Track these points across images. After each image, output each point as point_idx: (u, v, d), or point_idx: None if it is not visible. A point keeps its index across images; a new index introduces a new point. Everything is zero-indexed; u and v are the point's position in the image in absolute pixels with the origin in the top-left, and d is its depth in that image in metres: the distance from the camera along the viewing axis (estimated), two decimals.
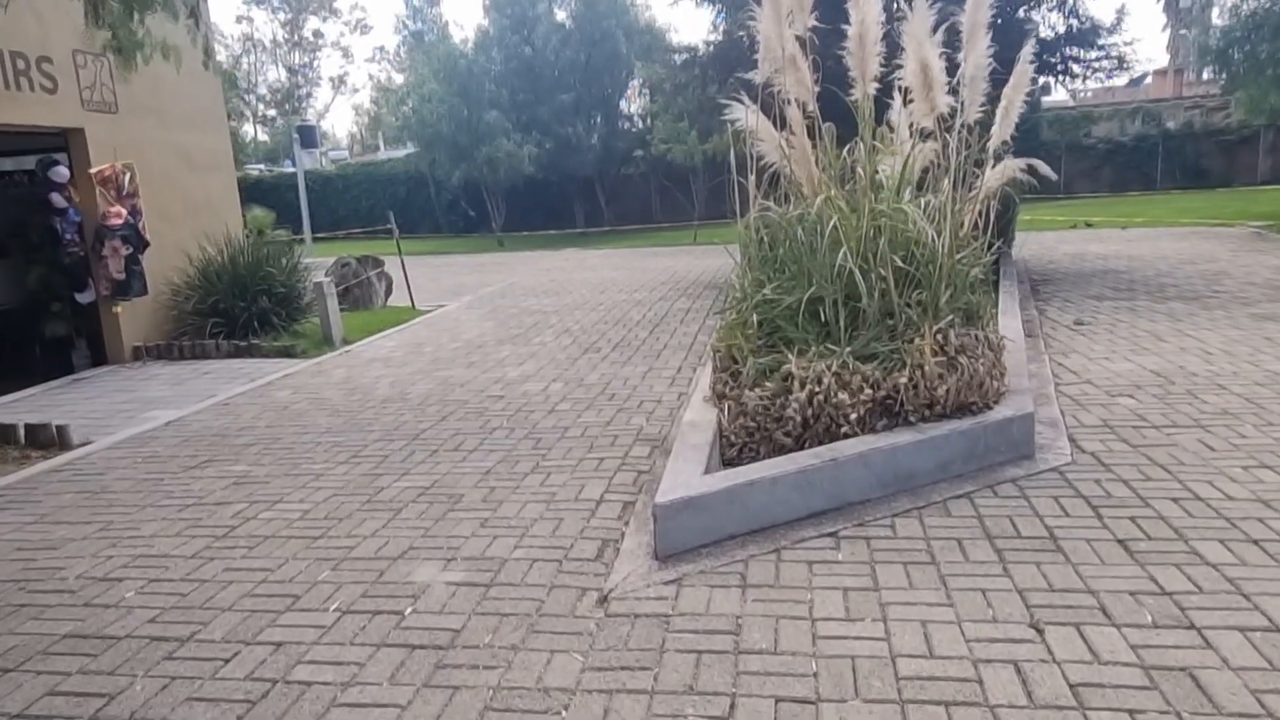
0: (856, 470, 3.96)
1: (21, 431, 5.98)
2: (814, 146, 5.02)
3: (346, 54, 73.30)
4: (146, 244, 8.94)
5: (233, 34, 69.52)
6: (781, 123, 5.19)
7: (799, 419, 4.32)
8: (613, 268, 16.20)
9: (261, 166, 44.97)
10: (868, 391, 4.28)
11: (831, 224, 4.48)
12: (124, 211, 8.75)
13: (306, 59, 69.44)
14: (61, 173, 8.49)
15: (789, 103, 5.01)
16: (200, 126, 10.36)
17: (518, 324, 10.14)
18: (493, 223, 28.48)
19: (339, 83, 67.81)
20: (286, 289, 9.70)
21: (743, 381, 4.71)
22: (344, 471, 5.03)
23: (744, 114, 5.20)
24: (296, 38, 68.43)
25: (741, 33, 11.80)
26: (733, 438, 4.56)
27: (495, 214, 28.06)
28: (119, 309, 8.93)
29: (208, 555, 3.89)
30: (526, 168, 25.83)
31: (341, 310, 11.35)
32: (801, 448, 4.29)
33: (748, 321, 4.90)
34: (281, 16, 66.88)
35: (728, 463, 4.49)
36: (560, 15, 28.07)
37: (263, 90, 69.01)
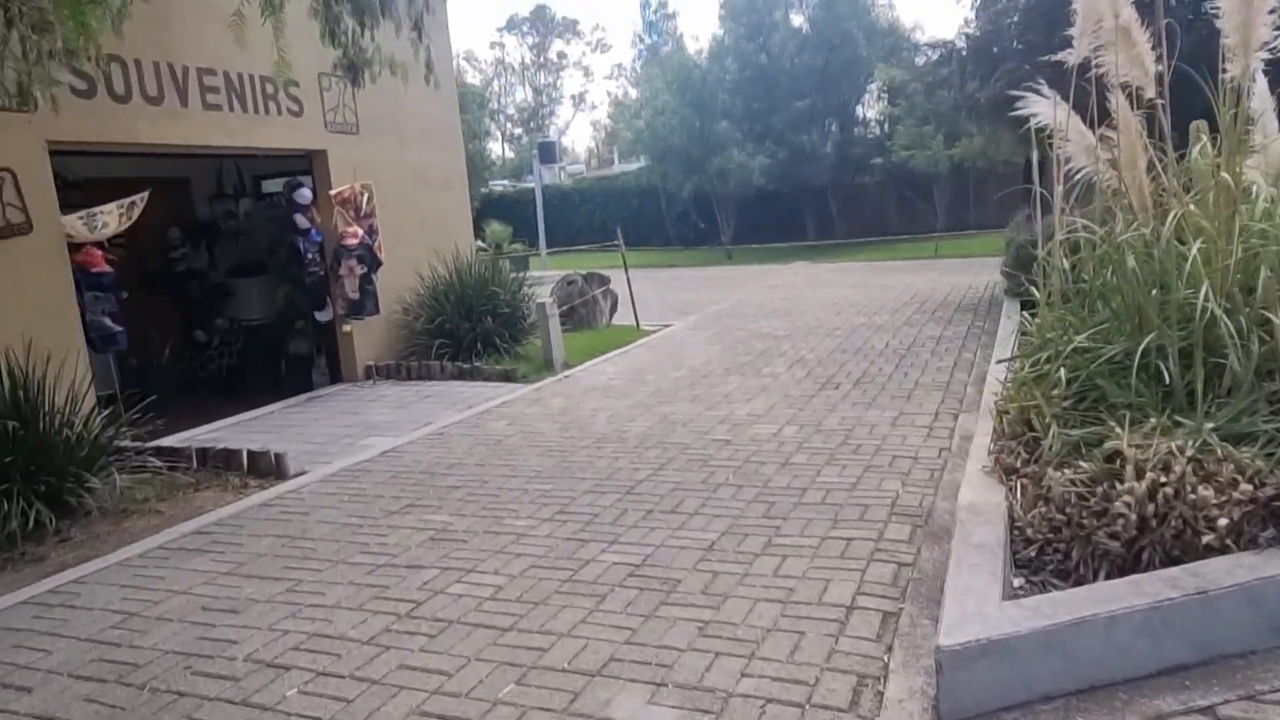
0: (1236, 608, 2.75)
1: (245, 458, 5.91)
2: (1149, 146, 3.80)
3: (587, 72, 75.80)
4: (379, 263, 8.99)
5: (485, 58, 74.04)
6: (1098, 117, 4.01)
7: (1133, 517, 3.14)
8: (847, 285, 14.99)
9: (505, 183, 47.23)
10: (1244, 488, 3.03)
11: (1193, 252, 3.25)
12: (360, 232, 8.82)
13: (550, 79, 73.08)
14: (305, 194, 8.71)
15: (1114, 89, 3.81)
16: (436, 145, 10.41)
17: (746, 350, 9.30)
18: (721, 235, 27.91)
19: (579, 100, 70.39)
20: (511, 309, 9.47)
21: (1044, 456, 3.59)
22: (548, 532, 4.40)
23: (1046, 107, 4.06)
24: (542, 59, 72.11)
25: (1011, 19, 10.34)
26: (1030, 531, 3.46)
27: (724, 226, 27.47)
28: (348, 328, 9.03)
29: (385, 642, 3.34)
30: (757, 179, 25.00)
31: (565, 330, 11.04)
32: (1137, 559, 3.11)
33: (1050, 377, 3.76)
34: (530, 40, 70.76)
35: (1022, 565, 3.39)
36: (797, 20, 27.06)
37: (510, 110, 73.37)
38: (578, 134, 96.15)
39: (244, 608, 3.75)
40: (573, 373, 8.90)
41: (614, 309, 12.21)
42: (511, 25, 71.37)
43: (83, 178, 9.30)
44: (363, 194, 9.15)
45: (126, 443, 6.34)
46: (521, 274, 10.95)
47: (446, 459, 6.00)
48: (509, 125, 72.00)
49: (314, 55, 8.24)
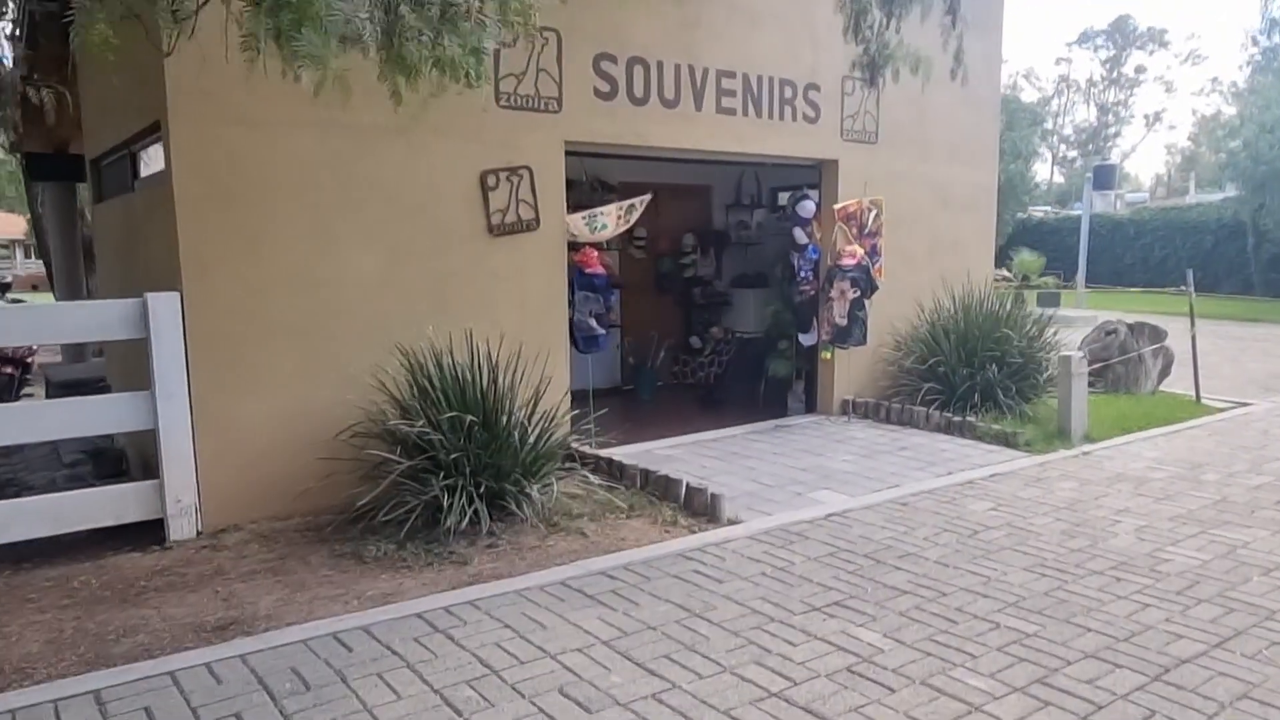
0: None
1: (683, 492, 5.39)
2: None
3: (1169, 88, 65.68)
4: (875, 288, 7.99)
5: (1048, 76, 68.48)
6: None
7: None
8: None
9: (1047, 208, 42.97)
10: None
11: None
12: (859, 251, 7.92)
13: (1121, 96, 64.91)
14: (808, 207, 8.07)
15: None
16: (965, 159, 9.06)
17: None
18: None
19: (1153, 120, 61.27)
20: (1024, 357, 7.77)
21: None
22: (1016, 716, 3.01)
23: None
24: (1115, 74, 64.38)
25: None
26: None
27: None
28: (827, 355, 8.18)
29: None
30: None
31: (1094, 392, 8.95)
32: None
33: None
34: (1104, 54, 63.63)
35: None
36: None
37: (1067, 131, 66.88)
38: (1146, 159, 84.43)
39: (598, 706, 3.07)
40: (1095, 450, 6.97)
41: (1165, 372, 9.62)
42: (1084, 38, 65.05)
43: (610, 181, 9.89)
44: (870, 210, 8.23)
45: (585, 448, 6.28)
46: (1048, 312, 9.06)
47: (902, 542, 4.81)
48: (1061, 147, 65.76)
49: (839, 55, 7.52)
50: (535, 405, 5.42)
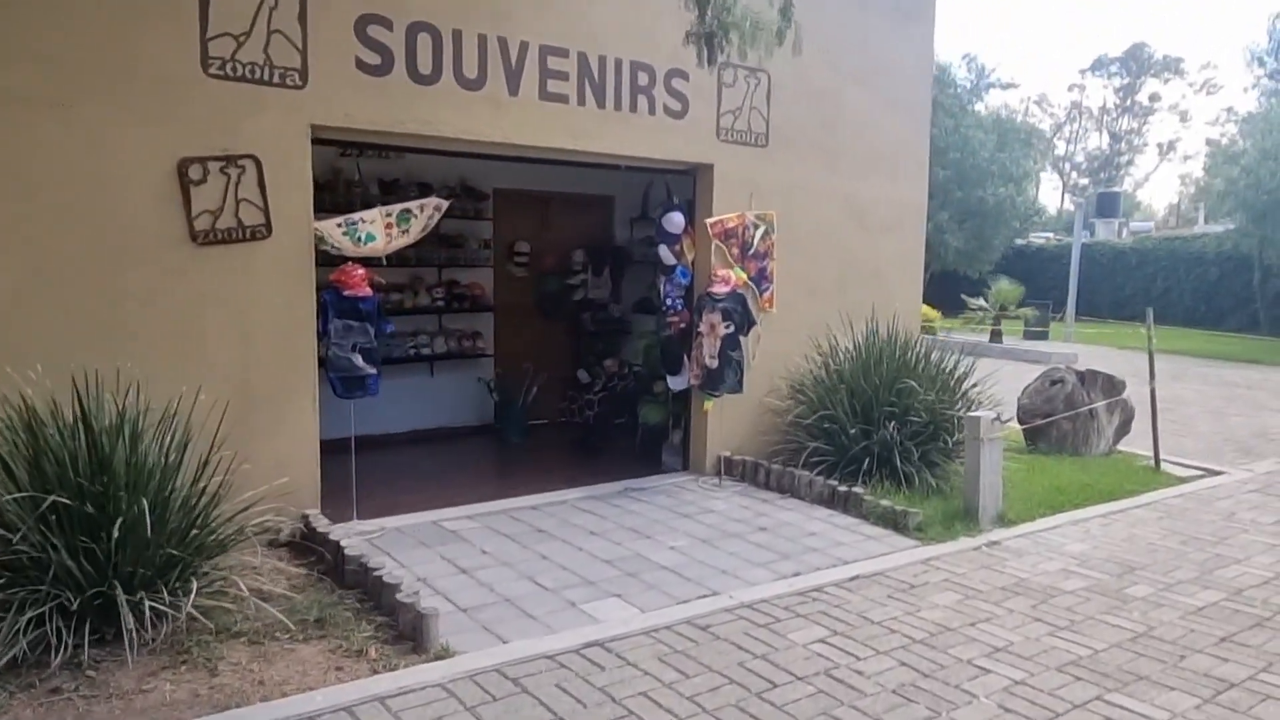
0: None
1: (395, 605, 3.90)
2: None
3: (1184, 117, 63.92)
4: (752, 323, 6.51)
5: (1060, 102, 67.17)
6: None
7: None
8: None
9: (1049, 235, 41.41)
10: None
11: None
12: (733, 276, 6.45)
13: (1134, 124, 63.40)
14: (675, 220, 6.61)
15: None
16: (888, 172, 7.60)
17: None
18: None
19: (1166, 149, 59.63)
20: (931, 415, 6.25)
21: None
22: None
23: None
24: (1129, 102, 62.91)
25: None
26: None
27: None
28: (708, 406, 6.69)
29: None
30: None
31: (1032, 453, 7.45)
32: None
33: None
34: (1117, 82, 62.30)
35: None
36: None
37: (1079, 158, 65.34)
38: (1159, 188, 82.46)
39: None
40: (1005, 539, 5.46)
41: (1124, 430, 8.07)
42: (1098, 65, 63.76)
43: (480, 187, 8.47)
44: (755, 227, 6.77)
45: (324, 522, 4.81)
46: (967, 357, 7.35)
47: (657, 702, 3.31)
48: (1074, 174, 64.19)
49: None
50: (202, 475, 3.95)
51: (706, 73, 6.31)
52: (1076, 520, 5.90)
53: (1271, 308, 25.47)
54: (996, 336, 18.53)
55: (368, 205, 5.70)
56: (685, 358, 6.73)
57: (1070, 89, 77.36)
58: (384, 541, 5.05)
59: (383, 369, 8.11)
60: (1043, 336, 22.47)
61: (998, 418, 5.72)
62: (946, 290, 23.07)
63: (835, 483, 6.07)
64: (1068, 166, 65.76)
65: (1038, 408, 7.75)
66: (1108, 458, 7.74)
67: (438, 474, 6.92)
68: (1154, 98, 62.71)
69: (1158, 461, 7.40)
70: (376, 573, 4.13)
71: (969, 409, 6.53)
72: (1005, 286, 19.14)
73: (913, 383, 6.25)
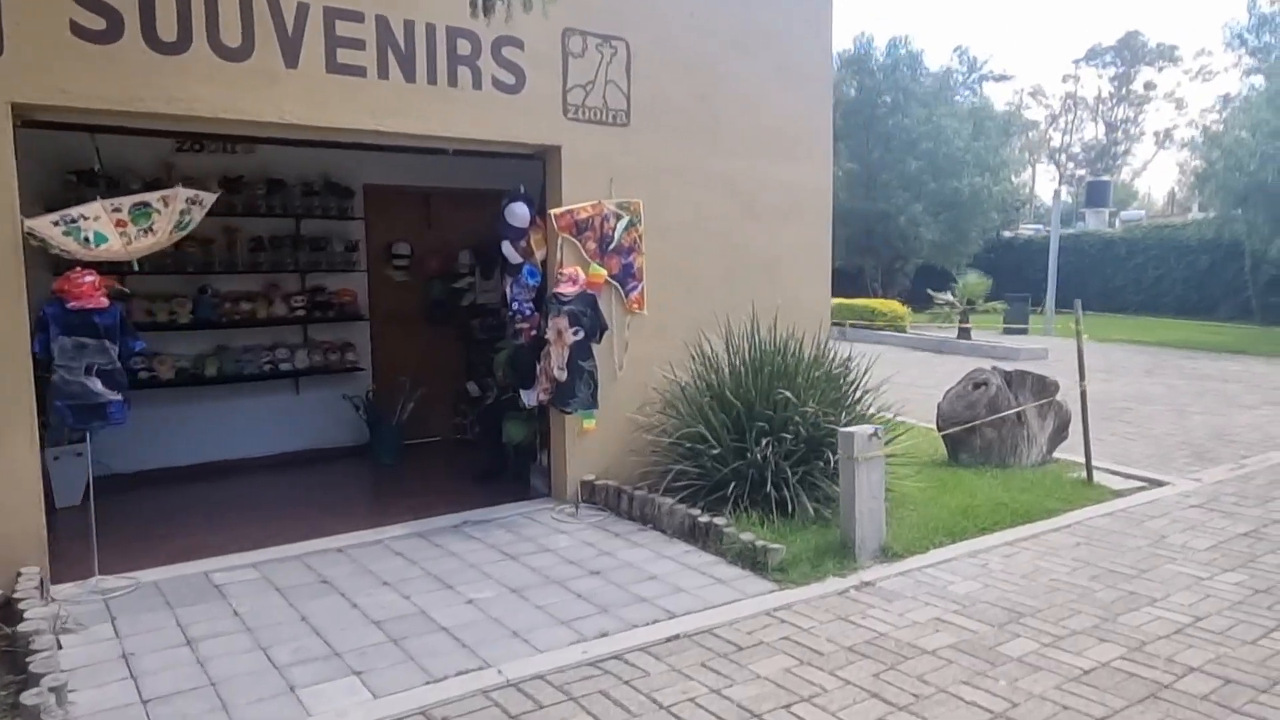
0: None
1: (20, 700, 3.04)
2: None
3: (1179, 105, 62.91)
4: (603, 328, 5.66)
5: (1055, 93, 66.34)
6: None
7: None
8: None
9: (1039, 226, 40.51)
10: None
11: None
12: (581, 275, 5.60)
13: (1130, 113, 62.49)
14: (519, 212, 5.77)
15: None
16: (781, 153, 6.74)
17: None
18: None
19: (1163, 137, 58.62)
20: (811, 430, 5.37)
21: None
22: None
23: None
24: (1124, 91, 62.01)
25: None
26: None
27: None
28: (589, 424, 5.83)
29: None
30: None
31: (952, 468, 6.60)
32: None
33: None
34: (1111, 71, 61.49)
35: None
36: None
37: (1075, 148, 64.45)
38: (1157, 177, 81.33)
39: None
40: (884, 577, 4.59)
41: (1060, 435, 7.18)
42: (1092, 55, 63.03)
43: (347, 183, 7.63)
44: (618, 218, 5.93)
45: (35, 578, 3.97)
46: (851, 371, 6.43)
47: None
48: (1070, 166, 63.27)
49: (564, 3, 5.22)
50: None
51: (550, 40, 5.49)
52: (976, 551, 5.03)
53: (1264, 296, 24.54)
54: (965, 333, 17.61)
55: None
56: (538, 368, 5.87)
57: (1065, 80, 76.41)
58: (124, 602, 4.20)
59: (229, 387, 7.42)
60: (1023, 331, 21.58)
61: (876, 433, 4.85)
62: (926, 285, 22.24)
63: (697, 512, 5.21)
64: (1064, 158, 64.93)
65: (958, 414, 6.87)
66: (1039, 469, 6.85)
67: (258, 508, 6.07)
68: (1149, 86, 61.84)
69: (1090, 473, 6.52)
70: (39, 655, 3.28)
71: (864, 420, 5.67)
72: (973, 280, 18.24)
73: (788, 393, 5.37)
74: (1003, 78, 46.88)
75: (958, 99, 27.92)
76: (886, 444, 5.74)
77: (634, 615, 4.10)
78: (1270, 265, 22.62)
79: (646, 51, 5.97)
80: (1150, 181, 75.00)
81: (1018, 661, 3.62)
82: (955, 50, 35.13)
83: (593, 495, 5.90)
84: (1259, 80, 20.62)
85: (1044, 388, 7.02)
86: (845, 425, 5.22)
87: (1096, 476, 6.59)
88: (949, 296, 18.34)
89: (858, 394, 5.87)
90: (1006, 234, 35.39)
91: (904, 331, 19.06)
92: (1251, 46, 21.45)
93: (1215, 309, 26.16)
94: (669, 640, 3.83)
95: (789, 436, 5.30)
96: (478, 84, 5.36)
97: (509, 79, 5.47)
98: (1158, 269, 28.59)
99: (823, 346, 6.13)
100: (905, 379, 11.46)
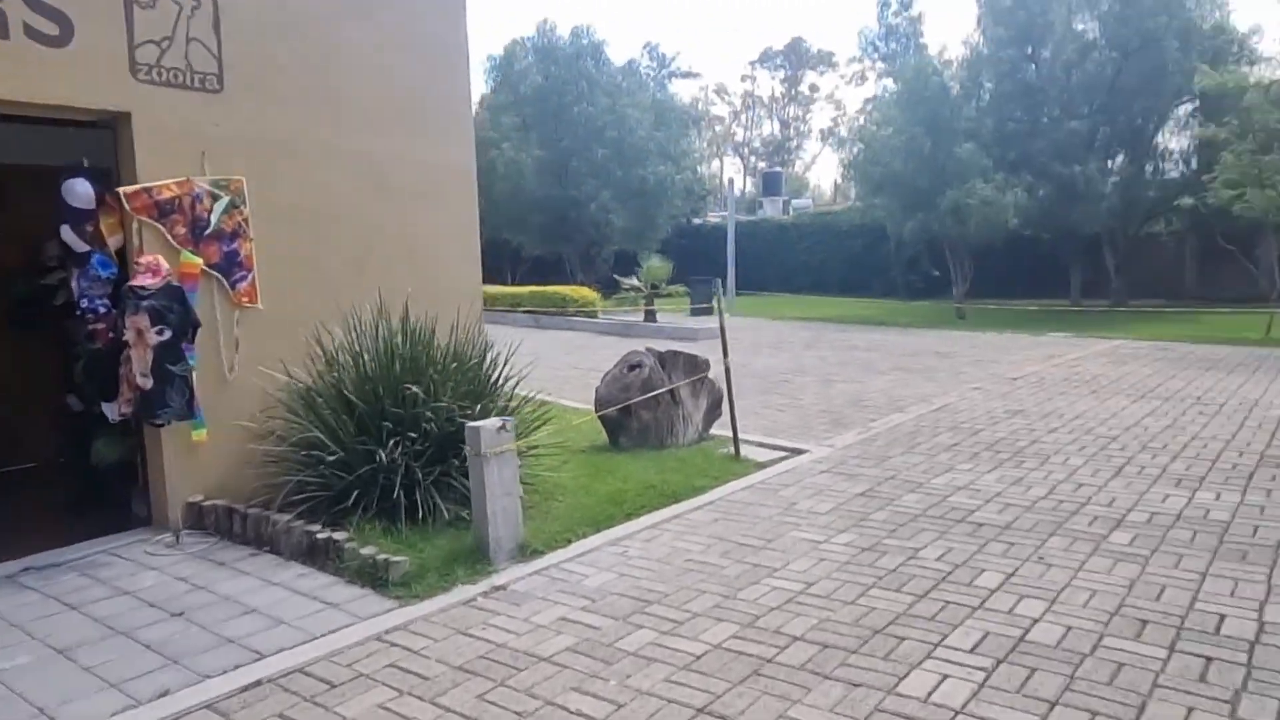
0: None
1: None
2: None
3: (838, 106, 70.16)
4: (195, 324, 4.88)
5: (737, 91, 71.51)
6: None
7: None
8: (1134, 390, 9.14)
9: (723, 215, 43.19)
10: None
11: None
12: (161, 264, 4.77)
13: (800, 112, 68.88)
14: (77, 191, 4.83)
15: None
16: (415, 128, 6.25)
17: (907, 560, 4.27)
18: (954, 288, 21.91)
19: (828, 134, 65.23)
20: (445, 426, 4.97)
21: None
22: None
23: None
24: (793, 92, 68.17)
25: None
26: None
27: (958, 277, 21.51)
28: (200, 436, 4.98)
29: None
30: (1010, 219, 18.90)
31: (612, 450, 6.51)
32: None
33: None
34: (782, 73, 67.34)
35: None
36: (1081, 24, 20.71)
37: (756, 143, 69.85)
38: (826, 170, 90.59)
39: None
40: (519, 578, 4.30)
41: (715, 412, 7.40)
42: (765, 58, 68.66)
43: None
44: (214, 198, 5.13)
45: None
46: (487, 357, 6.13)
47: None
48: (753, 158, 68.46)
49: None
50: None
51: None
52: (619, 538, 4.90)
53: (905, 273, 27.82)
54: (651, 315, 18.22)
55: None
56: (121, 375, 4.95)
57: (743, 79, 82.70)
58: None
59: None
60: (709, 312, 22.82)
61: (505, 425, 4.54)
62: (623, 272, 22.84)
63: (317, 529, 4.62)
64: (747, 151, 70.35)
65: (614, 397, 6.82)
66: (695, 447, 6.99)
67: None
68: (814, 88, 68.73)
69: (737, 447, 6.73)
70: None
71: (509, 412, 5.37)
72: (655, 264, 18.91)
73: (416, 389, 4.92)
74: (690, 75, 49.71)
75: (652, 93, 28.96)
76: (532, 433, 5.51)
77: (211, 663, 3.46)
78: (908, 246, 25.68)
79: (239, 7, 5.21)
80: (820, 174, 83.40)
81: (633, 656, 3.45)
82: (645, 46, 36.57)
83: (201, 519, 5.09)
84: (889, 83, 23.22)
85: (695, 366, 7.17)
86: (482, 418, 4.86)
87: (746, 450, 6.81)
88: (635, 281, 18.86)
89: (502, 383, 5.55)
90: (696, 221, 37.46)
91: (596, 317, 19.36)
92: (883, 53, 24.27)
93: (869, 286, 29.31)
94: (247, 689, 3.25)
95: (419, 435, 4.85)
96: (3, 32, 4.33)
97: (50, 28, 4.49)
98: (823, 252, 31.53)
99: (470, 334, 5.75)
100: (590, 363, 11.51)
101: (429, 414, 4.93)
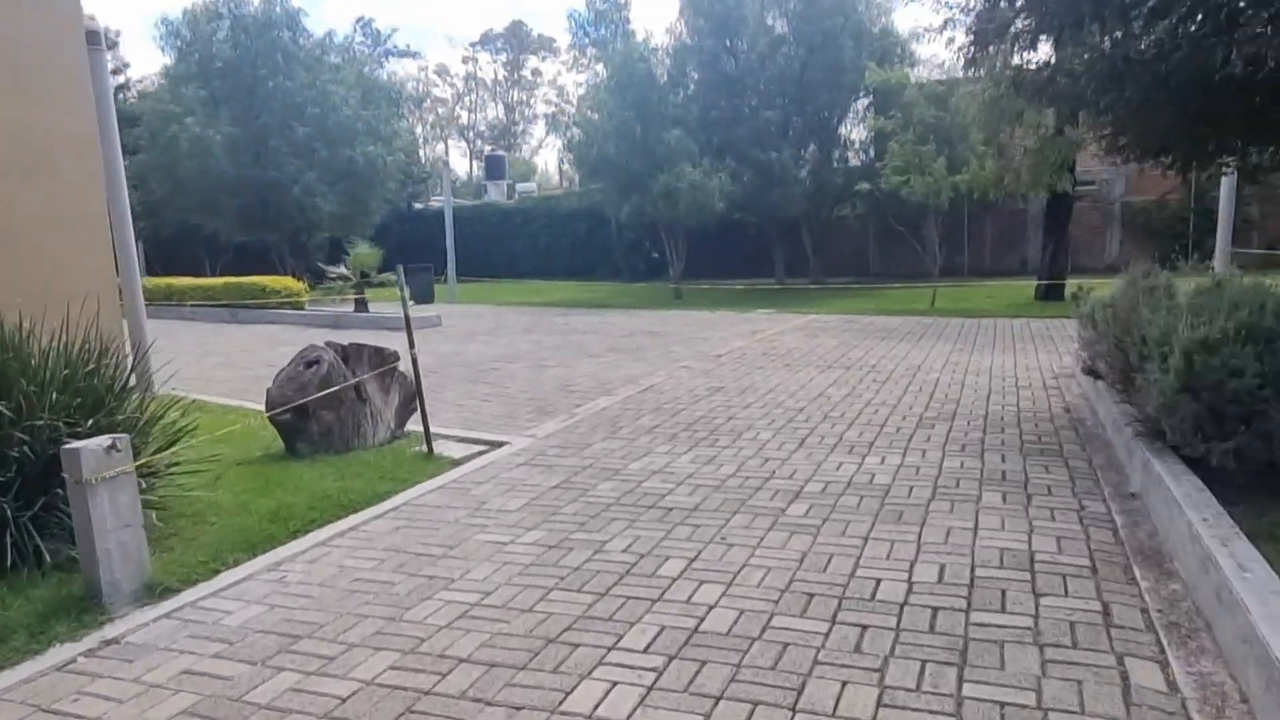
0: None
1: None
2: None
3: (561, 92, 70.63)
4: None
5: (458, 72, 69.84)
6: None
7: None
8: (822, 362, 9.77)
9: (443, 199, 41.94)
10: None
11: None
12: None
13: (524, 96, 68.48)
14: None
15: None
16: (11, 88, 5.12)
17: (591, 558, 4.06)
18: (670, 269, 22.69)
19: (552, 120, 65.46)
20: (52, 446, 4.09)
21: None
22: None
23: None
24: (516, 76, 67.61)
25: None
26: None
27: (674, 259, 22.29)
28: None
29: None
30: (717, 203, 19.82)
31: (290, 458, 5.81)
32: None
33: None
34: (504, 57, 66.52)
35: None
36: (771, 20, 22.10)
37: (481, 126, 68.60)
38: (553, 154, 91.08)
39: None
40: (142, 625, 3.59)
41: (409, 407, 6.89)
42: (485, 41, 67.55)
43: None
44: None
45: None
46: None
47: None
48: (479, 142, 67.17)
49: None
50: None
51: None
52: (279, 562, 4.30)
53: (628, 256, 28.49)
54: (362, 305, 17.14)
55: None
56: None
57: (465, 61, 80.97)
58: None
59: None
60: (429, 300, 21.93)
61: (114, 444, 3.78)
62: (335, 260, 21.35)
63: None
64: (472, 134, 68.98)
65: (288, 397, 6.11)
66: (386, 448, 6.45)
67: None
68: (536, 73, 68.70)
69: (430, 444, 6.28)
70: None
71: (141, 423, 4.55)
72: (364, 252, 17.81)
73: (1, 406, 3.99)
74: (409, 54, 47.60)
75: (358, 70, 27.20)
76: (174, 446, 4.73)
77: None
78: (629, 230, 26.29)
79: None
80: (549, 158, 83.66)
81: (265, 710, 2.94)
82: (358, 21, 34.35)
83: None
84: (601, 69, 23.51)
85: (383, 359, 6.61)
86: (96, 435, 4.03)
87: (442, 446, 6.38)
88: (342, 270, 17.66)
89: (128, 390, 4.70)
90: (418, 206, 36.06)
91: (302, 309, 17.94)
92: (594, 38, 24.54)
93: (594, 270, 29.72)
94: None
95: (5, 463, 3.95)
96: None
97: None
98: (548, 237, 31.52)
99: (90, 336, 4.82)
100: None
101: (20, 435, 4.02)
